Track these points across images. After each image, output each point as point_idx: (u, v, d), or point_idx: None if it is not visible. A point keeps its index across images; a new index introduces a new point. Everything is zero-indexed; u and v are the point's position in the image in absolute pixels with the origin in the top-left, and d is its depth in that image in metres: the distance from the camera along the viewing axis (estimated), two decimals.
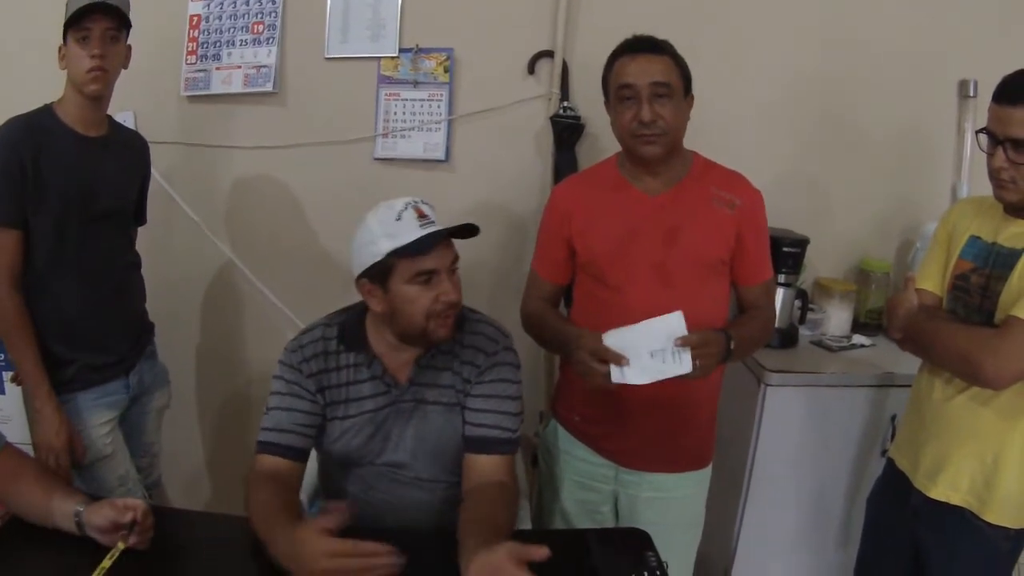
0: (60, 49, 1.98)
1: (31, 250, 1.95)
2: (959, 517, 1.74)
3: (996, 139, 1.63)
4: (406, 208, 1.58)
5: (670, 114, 1.78)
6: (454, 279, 1.64)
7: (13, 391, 2.23)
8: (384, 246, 1.57)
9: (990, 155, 1.66)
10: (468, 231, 1.64)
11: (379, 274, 1.61)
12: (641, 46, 1.81)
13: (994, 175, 1.67)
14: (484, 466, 1.68)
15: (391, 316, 1.65)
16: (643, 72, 1.77)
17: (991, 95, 1.66)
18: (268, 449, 1.65)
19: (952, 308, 1.81)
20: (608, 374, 1.65)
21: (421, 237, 1.55)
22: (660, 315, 1.64)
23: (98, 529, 1.44)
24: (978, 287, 1.74)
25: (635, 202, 1.87)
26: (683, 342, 1.62)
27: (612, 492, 1.99)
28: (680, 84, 1.80)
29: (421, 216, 1.58)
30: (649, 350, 1.63)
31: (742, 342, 1.81)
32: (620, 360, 1.64)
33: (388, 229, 1.57)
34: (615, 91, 1.82)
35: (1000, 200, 1.71)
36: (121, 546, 1.41)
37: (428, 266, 1.58)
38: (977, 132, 1.72)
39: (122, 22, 2.00)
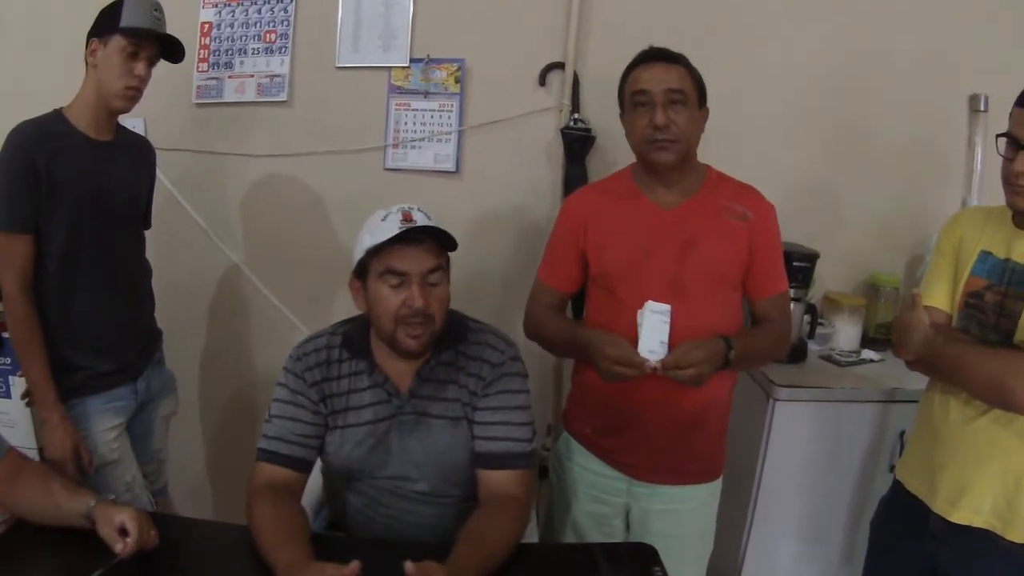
0: (92, 42, 1.96)
1: (44, 255, 1.95)
2: (982, 538, 1.69)
3: (1017, 144, 1.60)
4: (396, 211, 1.61)
5: (684, 121, 1.80)
6: (429, 290, 1.62)
7: (18, 395, 2.23)
8: (365, 243, 1.61)
9: (1008, 159, 1.63)
10: (446, 237, 1.63)
11: (361, 271, 1.65)
12: (656, 55, 1.84)
13: (1010, 180, 1.63)
14: (497, 481, 1.67)
15: (370, 317, 1.67)
16: (658, 79, 1.80)
17: (1011, 105, 1.62)
18: (269, 458, 1.66)
19: (964, 326, 1.76)
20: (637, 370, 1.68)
21: (393, 236, 1.57)
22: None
23: (107, 520, 1.45)
24: (993, 305, 1.69)
25: (649, 215, 1.87)
26: (663, 365, 1.67)
27: (624, 505, 1.98)
28: (694, 94, 1.83)
29: (406, 219, 1.59)
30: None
31: (746, 351, 1.81)
32: (643, 363, 1.68)
33: (373, 228, 1.61)
34: (630, 97, 1.85)
35: (1013, 207, 1.67)
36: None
37: (396, 265, 1.59)
38: (997, 136, 1.67)
39: (168, 56, 2.04)
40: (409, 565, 1.33)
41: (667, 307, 1.70)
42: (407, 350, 1.63)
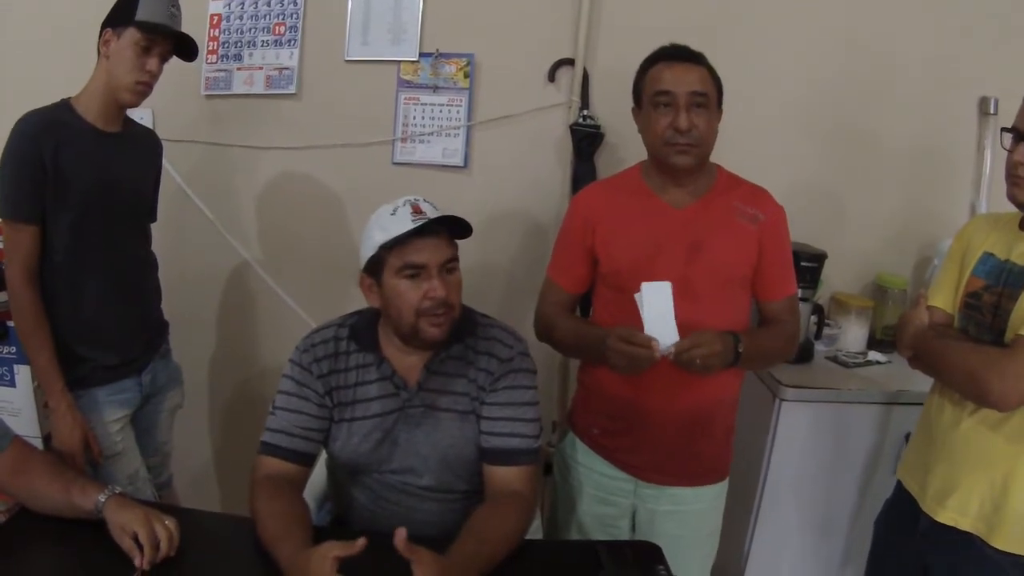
0: (105, 32, 1.94)
1: (50, 246, 1.94)
2: (967, 542, 1.70)
3: (1020, 135, 1.62)
4: (404, 204, 1.60)
5: (705, 124, 1.78)
6: (447, 278, 1.62)
7: (22, 384, 2.22)
8: (377, 239, 1.59)
9: (1010, 151, 1.64)
10: (460, 226, 1.62)
11: (374, 268, 1.63)
12: (679, 54, 1.81)
13: (1011, 171, 1.65)
14: (502, 477, 1.66)
15: (387, 313, 1.65)
16: (682, 80, 1.77)
17: (1019, 104, 1.64)
18: (272, 451, 1.65)
19: (963, 327, 1.78)
20: (649, 351, 1.65)
21: (409, 230, 1.55)
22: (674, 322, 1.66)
23: (120, 528, 1.44)
24: (990, 305, 1.70)
25: (660, 214, 1.85)
26: (676, 349, 1.64)
27: (631, 506, 1.97)
28: (715, 96, 1.81)
29: (416, 212, 1.58)
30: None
31: (755, 349, 1.79)
32: (650, 342, 1.64)
33: (383, 223, 1.59)
34: (651, 97, 1.81)
35: (1012, 199, 1.67)
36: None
37: (415, 259, 1.58)
38: (1002, 130, 1.69)
39: (181, 54, 2.03)
40: (401, 537, 1.32)
41: (667, 283, 1.65)
42: (431, 339, 1.62)
